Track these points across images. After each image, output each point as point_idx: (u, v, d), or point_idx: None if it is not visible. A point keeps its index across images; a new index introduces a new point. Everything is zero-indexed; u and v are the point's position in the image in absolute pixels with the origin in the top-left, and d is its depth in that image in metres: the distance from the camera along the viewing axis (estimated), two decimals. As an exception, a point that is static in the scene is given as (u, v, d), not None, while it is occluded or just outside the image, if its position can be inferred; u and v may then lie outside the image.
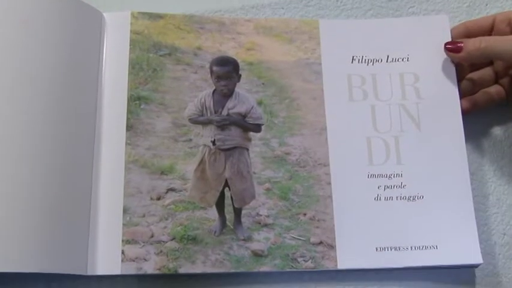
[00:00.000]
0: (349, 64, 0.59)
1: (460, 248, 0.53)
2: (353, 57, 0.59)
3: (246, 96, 0.57)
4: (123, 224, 0.53)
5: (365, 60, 0.59)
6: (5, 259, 0.47)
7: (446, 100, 0.57)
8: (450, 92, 0.57)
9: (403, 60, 0.59)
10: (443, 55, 0.58)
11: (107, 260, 0.52)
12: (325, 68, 0.59)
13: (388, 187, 0.55)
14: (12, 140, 0.49)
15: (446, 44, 0.57)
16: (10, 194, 0.48)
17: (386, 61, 0.59)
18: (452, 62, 0.58)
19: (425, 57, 0.59)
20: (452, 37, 0.58)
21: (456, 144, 0.56)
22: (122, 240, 0.52)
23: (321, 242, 0.53)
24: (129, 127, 0.55)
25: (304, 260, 0.53)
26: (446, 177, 0.55)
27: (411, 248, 0.53)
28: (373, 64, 0.59)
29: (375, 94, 0.58)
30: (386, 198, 0.55)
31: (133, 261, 0.52)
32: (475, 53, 0.55)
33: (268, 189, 0.55)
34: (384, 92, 0.58)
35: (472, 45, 0.55)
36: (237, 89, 0.57)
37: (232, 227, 0.54)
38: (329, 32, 0.60)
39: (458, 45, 0.56)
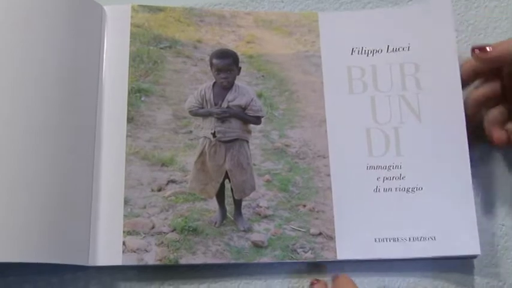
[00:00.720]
0: (349, 56, 0.59)
1: (459, 239, 0.53)
2: (352, 48, 0.59)
3: (246, 89, 0.58)
4: (124, 215, 0.53)
5: (365, 51, 0.59)
6: (7, 250, 0.47)
7: (447, 90, 0.56)
8: (451, 82, 0.56)
9: (403, 49, 0.59)
10: (444, 44, 0.57)
11: (108, 251, 0.52)
12: (324, 60, 0.59)
13: (387, 178, 0.55)
14: (13, 132, 0.50)
15: (473, 47, 0.55)
16: (12, 187, 0.48)
17: (387, 51, 0.59)
18: (461, 75, 0.57)
19: (426, 46, 0.58)
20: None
21: (457, 134, 0.55)
22: (123, 232, 0.52)
23: (320, 233, 0.54)
24: (130, 119, 0.55)
25: (304, 251, 0.53)
26: (447, 168, 0.55)
27: (410, 239, 0.53)
28: (373, 55, 0.59)
29: (374, 85, 0.58)
30: (385, 190, 0.55)
31: (135, 252, 0.52)
32: (506, 53, 0.53)
33: (268, 181, 0.55)
34: (383, 82, 0.58)
35: (502, 46, 0.54)
36: (236, 82, 0.58)
37: (232, 218, 0.54)
38: (328, 24, 0.60)
39: (487, 48, 0.54)
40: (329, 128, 0.57)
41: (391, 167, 0.55)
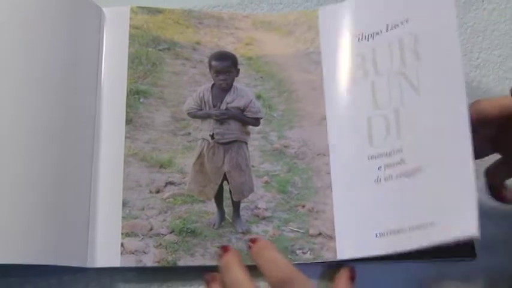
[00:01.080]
0: (349, 45, 0.58)
1: (457, 221, 0.47)
2: (353, 36, 0.58)
3: (244, 90, 0.58)
4: (123, 217, 0.53)
5: (365, 36, 0.57)
6: (6, 251, 0.47)
7: (446, 57, 0.51)
8: (450, 49, 0.51)
9: (402, 24, 0.55)
10: (443, 10, 0.52)
11: (106, 252, 0.52)
12: (324, 56, 0.58)
13: (388, 166, 0.52)
14: (12, 134, 0.50)
15: None
16: (11, 189, 0.48)
17: (386, 30, 0.56)
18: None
19: (425, 15, 0.54)
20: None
21: (457, 104, 0.49)
22: (122, 233, 0.52)
23: (320, 234, 0.54)
24: (129, 121, 0.55)
25: (302, 252, 0.53)
26: (446, 142, 0.49)
27: (409, 229, 0.49)
28: (373, 38, 0.56)
29: (375, 69, 0.56)
30: (386, 179, 0.52)
31: (133, 253, 0.52)
32: None
33: (266, 183, 0.55)
34: (383, 64, 0.55)
35: None
36: (235, 84, 0.58)
37: (231, 220, 0.54)
38: (328, 18, 0.59)
39: None
40: (329, 124, 0.56)
41: (392, 153, 0.52)
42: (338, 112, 0.56)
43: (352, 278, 0.49)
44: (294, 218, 0.54)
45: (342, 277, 0.48)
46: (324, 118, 0.57)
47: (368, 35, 0.57)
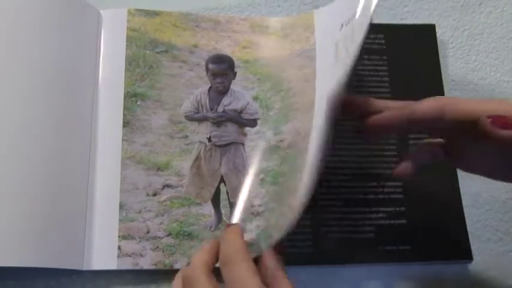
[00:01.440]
0: (338, 32, 0.55)
1: None
2: (342, 24, 0.55)
3: (241, 93, 0.58)
4: (120, 220, 0.53)
5: (349, 20, 0.54)
6: (3, 255, 0.47)
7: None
8: None
9: None
10: None
11: (103, 255, 0.52)
12: (319, 50, 0.58)
13: None
14: (9, 136, 0.50)
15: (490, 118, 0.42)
16: (7, 190, 0.48)
17: (362, 7, 0.52)
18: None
19: None
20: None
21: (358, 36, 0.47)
22: (118, 236, 0.52)
23: None
24: (126, 123, 0.55)
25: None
26: None
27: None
28: (354, 17, 0.53)
29: (352, 39, 0.52)
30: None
31: (130, 256, 0.52)
32: None
33: (262, 180, 0.55)
34: (356, 31, 0.52)
35: None
36: (232, 86, 0.58)
37: (228, 221, 0.54)
38: (323, 18, 0.59)
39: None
40: (316, 105, 0.55)
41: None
42: (323, 92, 0.55)
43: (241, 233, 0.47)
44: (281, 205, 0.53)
45: (228, 233, 0.46)
46: (313, 103, 0.55)
47: (352, 16, 0.54)
